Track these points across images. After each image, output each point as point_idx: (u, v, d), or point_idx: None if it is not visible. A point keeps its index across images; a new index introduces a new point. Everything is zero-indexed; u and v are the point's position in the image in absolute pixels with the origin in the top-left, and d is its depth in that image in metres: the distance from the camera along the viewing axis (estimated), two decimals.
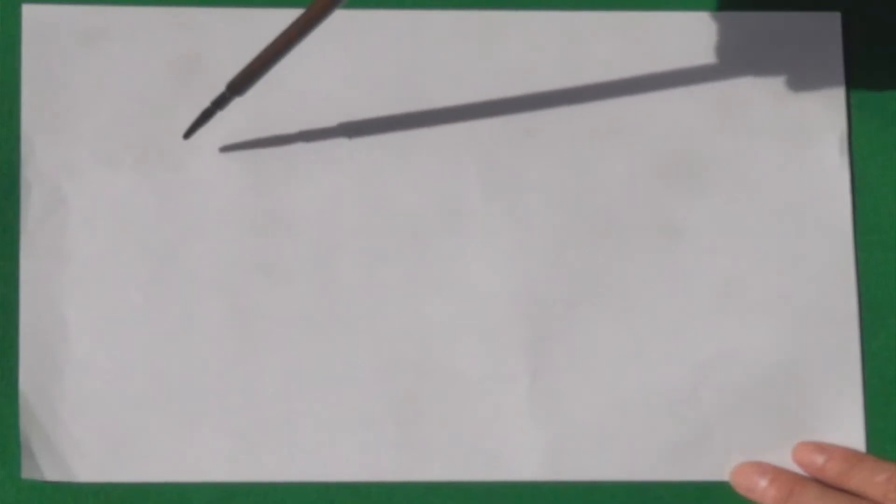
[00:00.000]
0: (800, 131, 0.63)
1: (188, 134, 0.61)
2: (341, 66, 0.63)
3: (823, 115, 0.63)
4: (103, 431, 0.60)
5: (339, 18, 0.63)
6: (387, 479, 0.60)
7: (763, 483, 0.60)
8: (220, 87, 0.62)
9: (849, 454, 0.60)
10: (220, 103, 0.59)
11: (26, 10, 0.63)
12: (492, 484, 0.61)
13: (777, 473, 0.60)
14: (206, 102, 0.61)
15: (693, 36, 0.64)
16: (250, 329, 0.61)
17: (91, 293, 0.61)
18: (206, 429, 0.60)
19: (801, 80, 0.63)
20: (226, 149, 0.62)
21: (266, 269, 0.61)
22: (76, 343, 0.61)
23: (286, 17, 0.63)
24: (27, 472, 0.60)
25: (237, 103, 0.62)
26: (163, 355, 0.61)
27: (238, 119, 0.62)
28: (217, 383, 0.61)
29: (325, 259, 0.62)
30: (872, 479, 0.58)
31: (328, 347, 0.61)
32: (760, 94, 0.63)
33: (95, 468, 0.60)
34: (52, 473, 0.60)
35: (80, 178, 0.62)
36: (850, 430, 0.61)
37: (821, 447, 0.60)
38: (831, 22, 0.64)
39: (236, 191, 0.62)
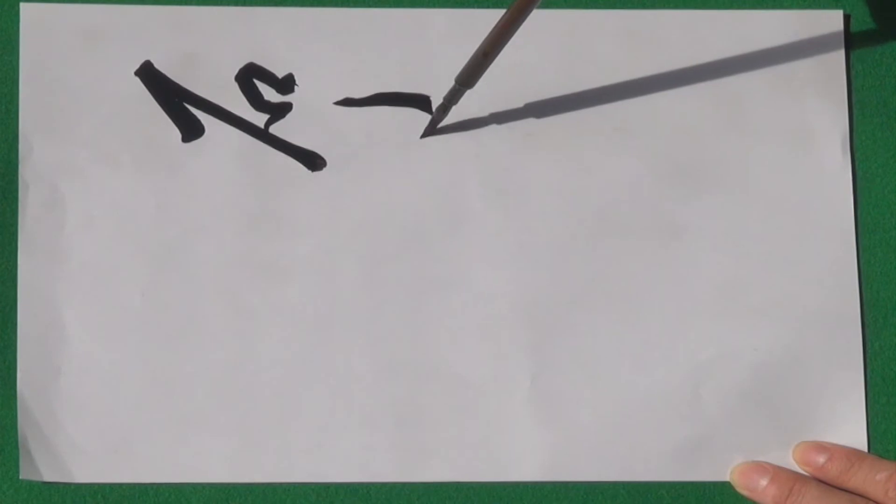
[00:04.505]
0: (802, 131, 0.63)
1: (426, 134, 0.62)
2: (341, 65, 0.63)
3: (826, 114, 0.63)
4: (101, 432, 0.60)
5: (339, 18, 0.63)
6: (386, 479, 0.60)
7: (763, 482, 0.60)
8: (218, 86, 0.62)
9: (849, 453, 0.60)
10: (453, 97, 0.60)
11: (24, 8, 0.62)
12: (492, 485, 0.61)
13: (777, 472, 0.60)
14: (205, 100, 0.61)
15: (695, 35, 0.63)
16: (249, 329, 0.61)
17: (89, 293, 0.61)
18: (204, 429, 0.60)
19: (803, 80, 0.63)
20: (225, 149, 0.62)
21: (266, 269, 0.61)
22: (74, 343, 0.60)
23: (284, 15, 0.63)
24: (25, 473, 0.60)
25: (234, 103, 0.62)
26: (161, 356, 0.61)
27: (236, 119, 0.62)
28: (216, 384, 0.60)
29: (325, 259, 0.61)
30: (873, 477, 0.58)
31: (328, 348, 0.61)
32: (762, 93, 0.63)
33: (93, 469, 0.60)
34: (50, 474, 0.60)
35: (78, 178, 0.61)
36: (853, 430, 0.61)
37: (821, 446, 0.60)
38: (834, 20, 0.64)
39: (236, 191, 0.62)
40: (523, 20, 0.54)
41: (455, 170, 0.62)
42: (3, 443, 0.60)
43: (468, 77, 0.58)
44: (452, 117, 0.62)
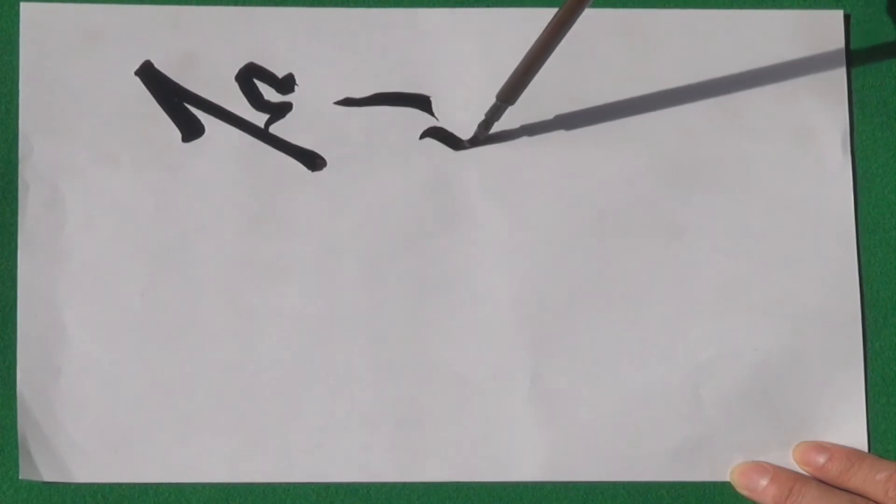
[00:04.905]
0: (802, 130, 0.63)
1: (463, 148, 0.62)
2: (341, 65, 0.63)
3: (826, 113, 0.63)
4: (101, 432, 0.60)
5: (339, 18, 0.63)
6: (386, 479, 0.60)
7: (763, 482, 0.60)
8: (218, 86, 0.62)
9: (849, 453, 0.60)
10: (494, 113, 0.59)
11: (24, 8, 0.62)
12: (492, 485, 0.61)
13: (777, 472, 0.60)
14: (205, 100, 0.61)
15: (694, 35, 0.63)
16: (249, 329, 0.61)
17: (89, 293, 0.61)
18: (204, 429, 0.60)
19: (803, 79, 0.63)
20: (225, 149, 0.62)
21: (266, 269, 0.61)
22: (74, 343, 0.60)
23: (284, 15, 0.63)
24: (25, 473, 0.60)
25: (234, 103, 0.62)
26: (161, 356, 0.61)
27: (237, 119, 0.62)
28: (216, 384, 0.60)
29: (325, 259, 0.61)
30: (873, 477, 0.58)
31: (328, 348, 0.61)
32: (763, 92, 0.63)
33: (93, 469, 0.60)
34: (49, 474, 0.60)
35: (78, 178, 0.61)
36: (853, 430, 0.61)
37: (821, 447, 0.60)
38: (834, 20, 0.64)
39: (236, 191, 0.62)
40: (564, 34, 0.54)
41: (455, 169, 0.62)
42: (3, 443, 0.60)
43: (509, 94, 0.58)
44: (452, 117, 0.62)
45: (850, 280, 0.62)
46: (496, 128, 0.61)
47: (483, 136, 0.62)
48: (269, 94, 0.62)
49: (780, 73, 0.63)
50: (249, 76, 0.62)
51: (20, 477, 0.60)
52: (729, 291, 0.62)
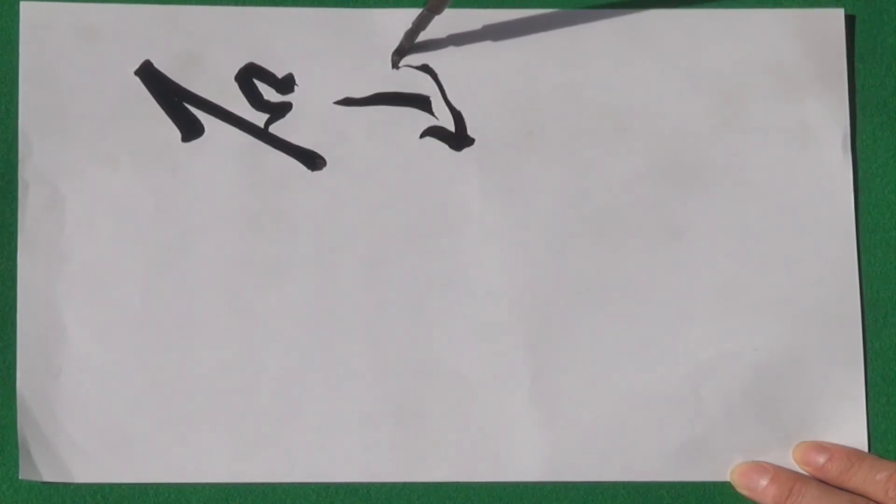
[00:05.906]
0: (803, 130, 0.63)
1: (395, 64, 0.62)
2: (341, 65, 0.63)
3: (826, 113, 0.63)
4: (101, 432, 0.60)
5: (339, 18, 0.63)
6: (386, 479, 0.60)
7: (763, 482, 0.60)
8: (218, 86, 0.62)
9: (849, 453, 0.60)
10: (420, 23, 0.59)
11: (24, 7, 0.62)
12: (492, 485, 0.61)
13: (777, 472, 0.60)
14: (205, 100, 0.61)
15: (695, 35, 0.63)
16: (249, 329, 0.61)
17: (89, 294, 0.61)
18: (204, 429, 0.60)
19: (804, 79, 0.63)
20: (225, 149, 0.62)
21: (265, 269, 0.61)
22: (74, 344, 0.60)
23: (284, 15, 0.63)
24: (25, 474, 0.60)
25: (234, 103, 0.62)
26: (161, 356, 0.60)
27: (236, 119, 0.62)
28: (216, 384, 0.60)
29: (324, 259, 0.61)
30: (873, 477, 0.58)
31: (328, 348, 0.61)
32: (763, 92, 0.63)
33: (93, 469, 0.60)
34: (49, 474, 0.60)
35: (78, 178, 0.61)
36: (853, 430, 0.61)
37: (821, 446, 0.60)
38: (835, 20, 0.64)
39: (236, 191, 0.62)
40: None
41: (455, 169, 0.62)
42: (3, 443, 0.60)
43: (437, 3, 0.58)
44: (452, 117, 0.62)
45: (850, 280, 0.62)
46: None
47: (408, 46, 0.61)
48: (269, 94, 0.62)
49: (780, 73, 0.63)
50: (249, 76, 0.62)
51: (20, 477, 0.60)
52: (729, 291, 0.62)
